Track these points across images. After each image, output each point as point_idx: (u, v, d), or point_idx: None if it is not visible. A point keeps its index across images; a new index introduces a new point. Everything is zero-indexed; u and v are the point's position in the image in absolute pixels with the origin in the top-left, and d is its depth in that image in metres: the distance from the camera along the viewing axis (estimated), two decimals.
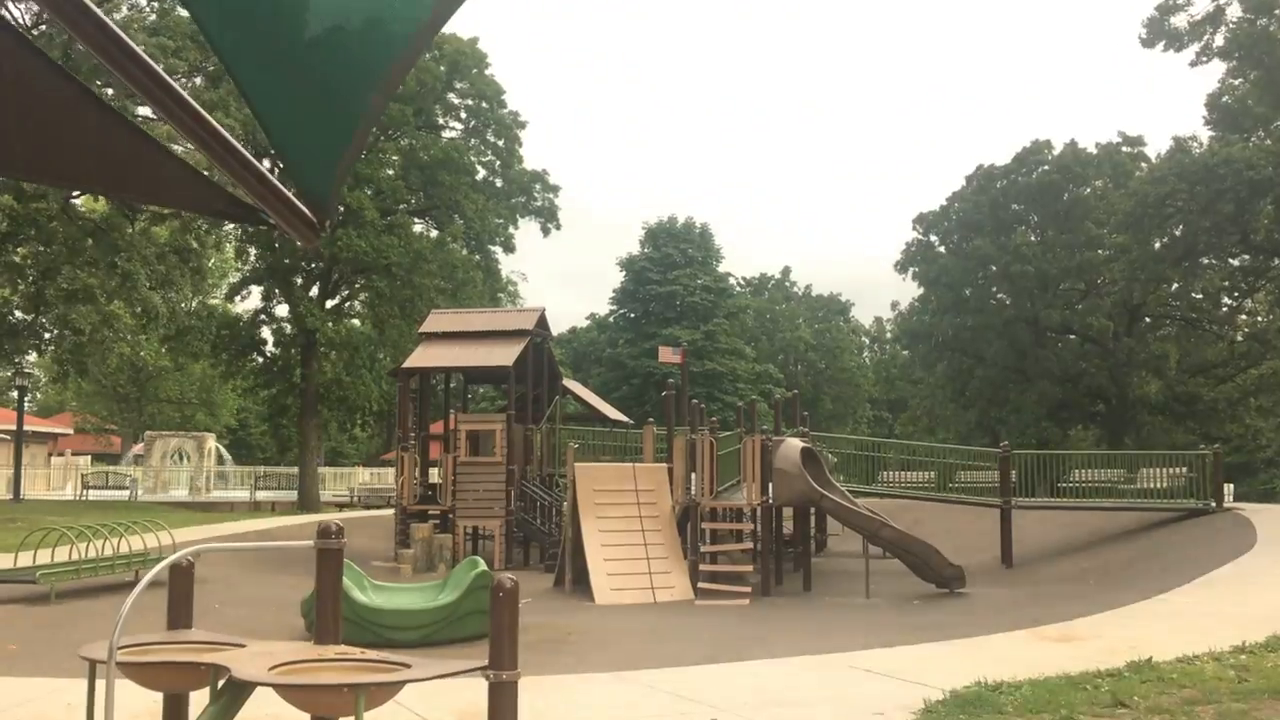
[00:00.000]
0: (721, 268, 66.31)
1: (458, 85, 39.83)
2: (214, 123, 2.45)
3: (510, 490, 22.60)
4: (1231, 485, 29.64)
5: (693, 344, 51.54)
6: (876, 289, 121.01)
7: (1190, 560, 16.28)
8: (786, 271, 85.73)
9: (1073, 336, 47.75)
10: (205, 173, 3.06)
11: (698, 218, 68.57)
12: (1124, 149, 48.09)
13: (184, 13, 28.70)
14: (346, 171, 2.80)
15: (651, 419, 24.79)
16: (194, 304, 37.54)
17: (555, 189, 42.53)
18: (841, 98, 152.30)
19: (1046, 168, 47.93)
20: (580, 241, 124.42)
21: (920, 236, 52.67)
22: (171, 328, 34.67)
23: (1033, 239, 47.99)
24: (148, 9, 31.05)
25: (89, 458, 51.87)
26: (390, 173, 38.42)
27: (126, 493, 38.85)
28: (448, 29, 38.31)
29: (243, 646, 4.92)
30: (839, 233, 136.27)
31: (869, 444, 27.58)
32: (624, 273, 64.50)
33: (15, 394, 36.15)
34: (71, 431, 59.12)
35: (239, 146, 2.57)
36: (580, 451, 21.27)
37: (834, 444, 27.02)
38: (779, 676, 8.78)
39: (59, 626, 12.38)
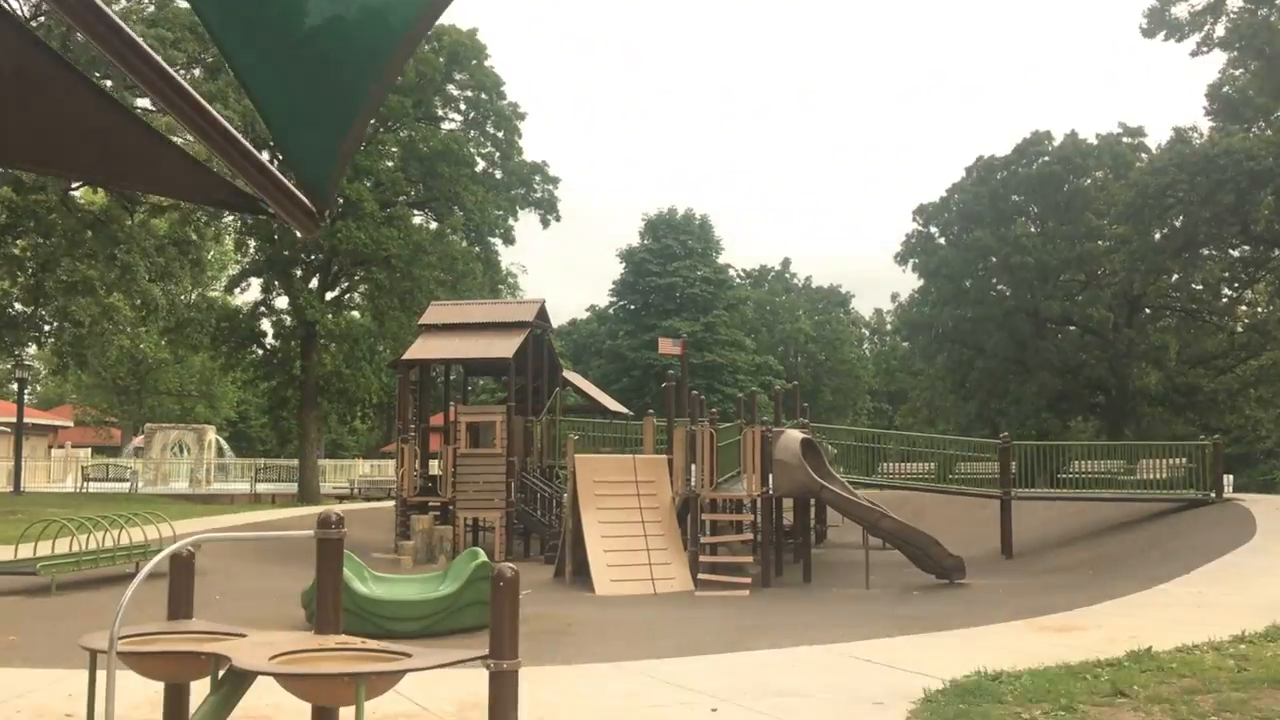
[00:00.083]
0: (721, 259, 66.38)
1: (457, 76, 39.77)
2: (214, 113, 2.45)
3: (510, 482, 22.62)
4: (1231, 476, 29.62)
5: (692, 336, 51.54)
6: (877, 281, 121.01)
7: (1190, 550, 16.30)
8: (786, 263, 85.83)
9: (1073, 328, 47.76)
10: (205, 163, 3.06)
11: (698, 206, 68.76)
12: (1124, 140, 48.06)
13: (183, 4, 28.69)
14: (346, 161, 2.80)
15: (651, 410, 24.81)
16: (194, 296, 37.58)
17: (555, 180, 42.57)
18: (841, 84, 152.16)
19: (1047, 159, 47.90)
20: (580, 233, 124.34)
21: (920, 228, 52.67)
22: (171, 320, 34.66)
23: (1033, 230, 47.98)
24: (146, 0, 30.99)
25: (89, 450, 51.87)
26: (390, 164, 38.38)
27: (127, 485, 38.86)
28: (447, 20, 38.29)
29: (243, 636, 4.93)
30: (839, 222, 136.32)
31: (869, 435, 27.60)
32: (624, 264, 64.53)
33: (15, 386, 36.13)
34: (72, 424, 59.12)
35: (239, 136, 2.57)
36: (580, 443, 21.29)
37: (834, 435, 27.03)
38: (779, 666, 8.80)
39: (59, 618, 12.40)
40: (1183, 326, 46.65)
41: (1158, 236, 40.70)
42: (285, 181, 2.76)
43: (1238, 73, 38.41)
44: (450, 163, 37.92)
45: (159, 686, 5.37)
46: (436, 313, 26.52)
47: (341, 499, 37.95)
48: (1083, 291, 47.06)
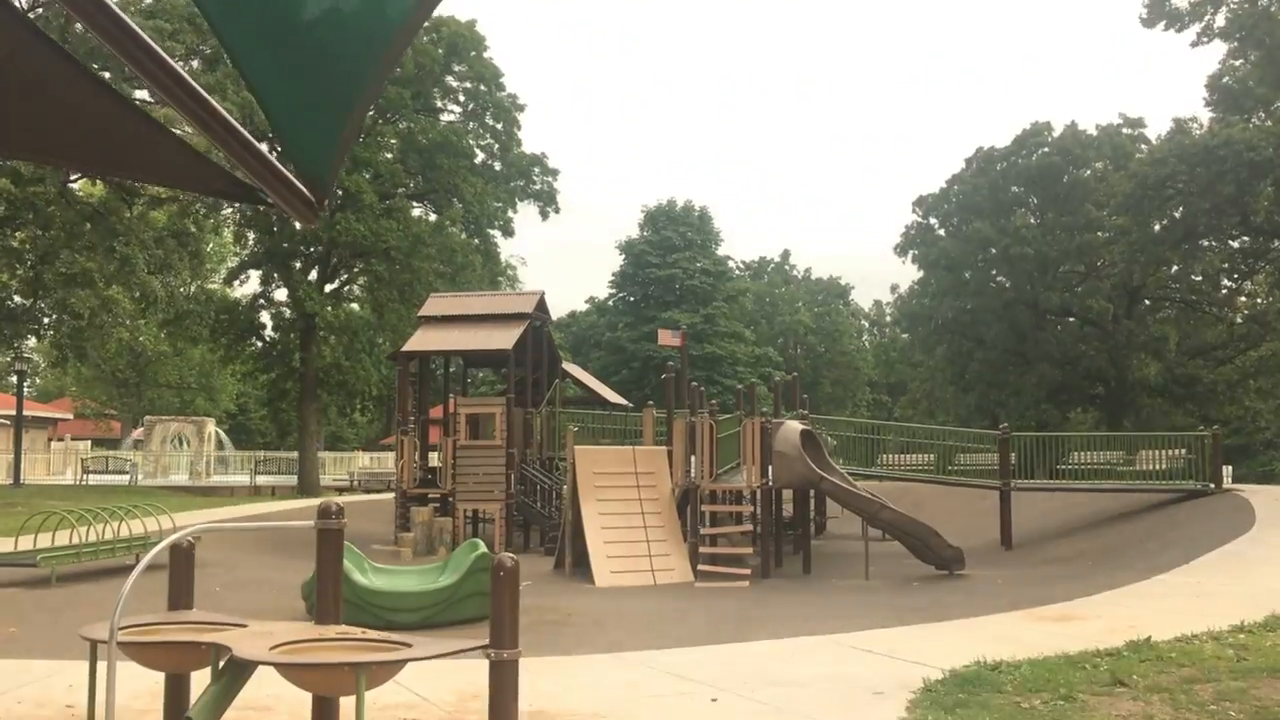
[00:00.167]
0: (721, 251, 66.33)
1: (456, 68, 39.70)
2: (213, 103, 2.45)
3: (510, 473, 22.63)
4: (1230, 467, 29.67)
5: (692, 327, 51.55)
6: (876, 273, 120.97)
7: (1189, 541, 16.32)
8: (786, 255, 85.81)
9: (1072, 319, 47.74)
10: (204, 153, 3.05)
11: (697, 197, 68.87)
12: (1124, 130, 48.00)
13: None
14: (345, 150, 2.80)
15: (651, 402, 24.80)
16: (193, 288, 37.54)
17: (554, 172, 42.50)
18: (840, 74, 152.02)
19: (1046, 150, 47.84)
20: (579, 225, 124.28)
21: (920, 219, 52.63)
22: (170, 312, 34.64)
23: (1032, 221, 47.95)
24: None
25: (89, 443, 51.90)
26: (389, 156, 38.32)
27: (126, 477, 38.90)
28: (445, 11, 38.28)
29: (244, 627, 4.94)
30: (839, 214, 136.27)
31: (868, 427, 27.59)
32: (623, 256, 64.49)
33: (15, 379, 36.12)
34: (71, 416, 59.15)
35: (238, 127, 2.57)
36: (580, 435, 21.28)
37: (833, 427, 27.05)
38: (779, 656, 8.81)
39: (59, 609, 12.41)
40: (1182, 318, 46.63)
41: (1157, 228, 40.68)
42: (284, 171, 2.76)
43: (1238, 63, 38.32)
44: (449, 154, 37.86)
45: (159, 677, 5.38)
46: (436, 304, 26.51)
47: (341, 491, 37.99)
48: (1082, 283, 47.03)
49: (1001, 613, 11.14)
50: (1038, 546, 20.62)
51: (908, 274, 62.12)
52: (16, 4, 2.34)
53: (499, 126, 40.73)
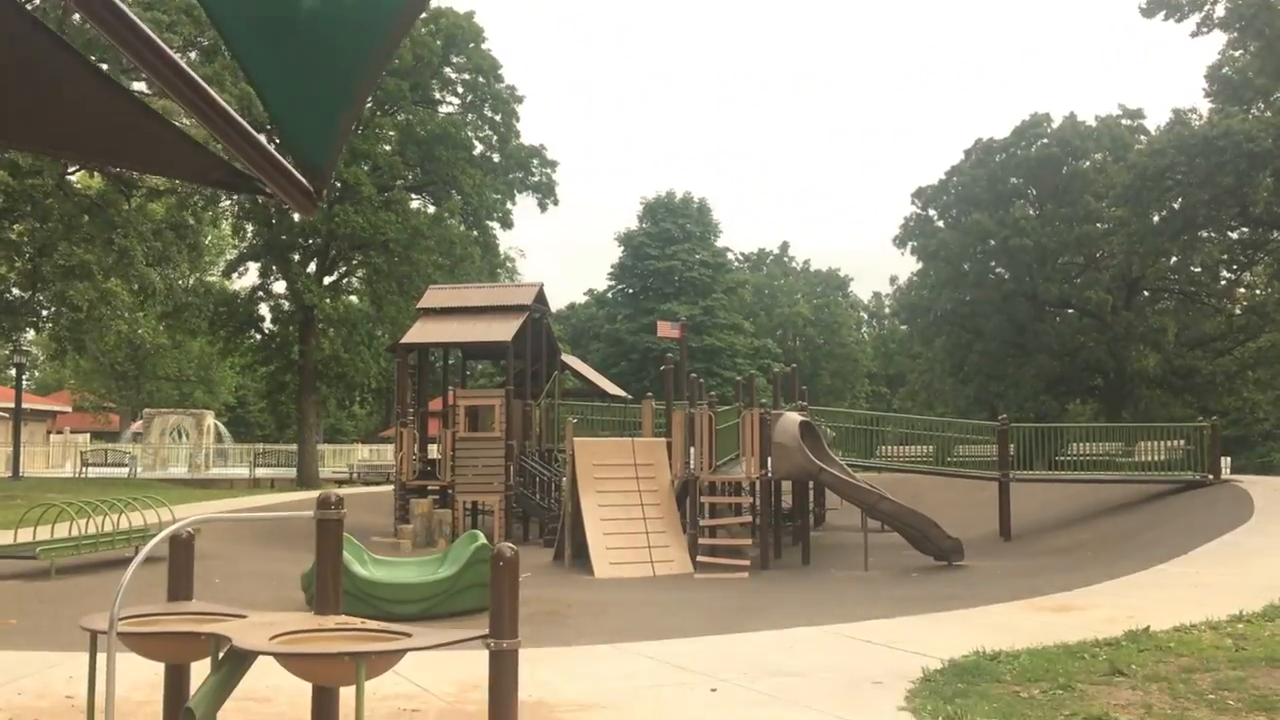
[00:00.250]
0: (719, 242, 66.32)
1: (454, 59, 39.60)
2: (212, 94, 2.45)
3: (509, 465, 22.63)
4: (1229, 458, 29.68)
5: (691, 319, 51.53)
6: (875, 264, 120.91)
7: (1188, 531, 16.34)
8: (785, 247, 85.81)
9: (1071, 310, 47.75)
10: (203, 144, 3.04)
11: (695, 188, 68.85)
12: (1123, 121, 47.98)
13: None
14: (343, 140, 2.80)
15: (650, 393, 24.81)
16: (191, 281, 37.43)
17: (553, 164, 42.44)
18: (838, 66, 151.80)
19: (1045, 141, 47.80)
20: (578, 217, 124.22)
21: (919, 211, 52.60)
22: (169, 304, 34.59)
23: (1031, 213, 47.91)
24: None
25: (88, 435, 51.89)
26: (387, 148, 38.24)
27: (126, 470, 38.89)
28: (443, 2, 38.23)
29: (243, 618, 4.94)
30: (838, 205, 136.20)
31: (867, 418, 27.61)
32: (622, 248, 64.47)
33: (13, 371, 36.09)
34: (70, 409, 59.09)
35: (237, 117, 2.57)
36: (579, 426, 21.29)
37: (832, 418, 27.04)
38: (778, 647, 8.82)
39: (59, 602, 12.42)
40: (1181, 309, 46.65)
41: (1156, 219, 40.64)
42: (283, 162, 2.75)
43: (1237, 54, 38.28)
44: (448, 146, 37.80)
45: (159, 669, 5.38)
46: (435, 296, 26.49)
47: (340, 483, 37.97)
48: (1081, 274, 47.02)
49: (1000, 603, 11.15)
50: (1036, 537, 20.65)
51: (907, 266, 62.06)
52: None
53: (497, 118, 40.65)
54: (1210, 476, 21.06)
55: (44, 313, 32.86)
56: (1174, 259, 44.41)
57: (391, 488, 25.57)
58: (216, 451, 44.37)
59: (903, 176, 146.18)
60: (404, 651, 4.34)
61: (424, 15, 37.12)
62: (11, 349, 35.03)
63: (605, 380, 33.90)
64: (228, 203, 36.32)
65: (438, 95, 40.40)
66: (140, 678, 6.69)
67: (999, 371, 47.33)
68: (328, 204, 34.68)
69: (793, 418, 19.20)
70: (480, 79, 39.95)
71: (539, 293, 25.90)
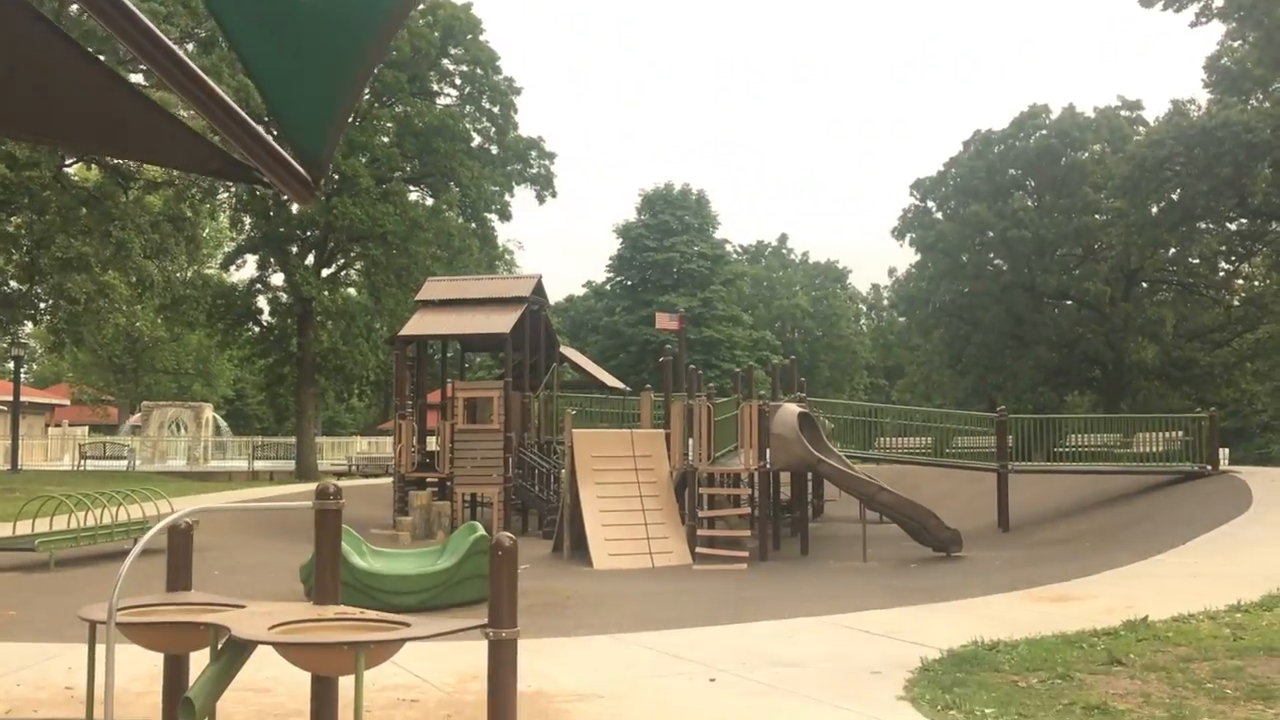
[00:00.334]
0: (718, 234, 66.24)
1: (452, 51, 39.52)
2: (210, 83, 2.44)
3: (508, 457, 22.64)
4: (1227, 450, 29.70)
5: (690, 311, 51.52)
6: (874, 256, 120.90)
7: (1186, 522, 16.36)
8: (784, 238, 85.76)
9: (1069, 302, 47.77)
10: (200, 134, 3.03)
11: (694, 181, 68.64)
12: (1122, 113, 47.95)
13: None
14: (341, 128, 2.79)
15: (649, 385, 24.80)
16: (189, 273, 37.44)
17: (551, 156, 42.37)
18: (836, 58, 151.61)
19: (1044, 132, 47.79)
20: (576, 209, 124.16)
21: (918, 202, 52.59)
22: (167, 297, 34.57)
23: (1030, 204, 47.90)
24: None
25: (86, 428, 51.88)
26: (385, 140, 38.18)
27: (124, 463, 38.89)
28: None
29: (242, 608, 4.94)
30: (836, 197, 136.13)
31: (866, 410, 27.61)
32: (620, 240, 64.40)
33: (11, 365, 36.07)
34: (68, 402, 59.10)
35: (235, 107, 2.56)
36: (578, 418, 21.28)
37: (831, 410, 27.06)
38: (777, 637, 8.83)
39: (58, 593, 12.42)
40: (1179, 300, 46.66)
41: (1155, 210, 40.62)
42: (281, 151, 2.74)
43: (1236, 44, 38.23)
44: (446, 138, 37.74)
45: (158, 661, 5.38)
46: (433, 288, 26.46)
47: (339, 476, 37.97)
48: (1080, 265, 47.03)
49: (999, 593, 11.16)
50: (1035, 528, 20.66)
51: (905, 257, 62.01)
52: None
53: (495, 110, 40.58)
54: (1208, 467, 21.08)
55: (42, 305, 32.83)
56: (1172, 250, 44.41)
57: (390, 480, 25.58)
58: (215, 444, 44.37)
59: (901, 168, 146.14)
60: (403, 641, 4.34)
61: (421, 6, 37.07)
62: (9, 342, 34.98)
63: (604, 372, 33.88)
64: (225, 195, 36.26)
65: (436, 87, 40.32)
66: (140, 669, 6.70)
67: (997, 363, 47.35)
68: (326, 196, 34.62)
69: (791, 409, 19.19)
70: (478, 71, 39.87)
71: (537, 284, 25.87)
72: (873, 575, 15.12)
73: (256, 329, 40.04)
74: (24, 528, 15.72)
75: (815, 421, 19.91)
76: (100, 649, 4.60)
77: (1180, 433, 22.49)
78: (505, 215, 41.88)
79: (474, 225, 40.65)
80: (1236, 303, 46.87)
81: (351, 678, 4.09)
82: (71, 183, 30.34)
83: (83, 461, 38.97)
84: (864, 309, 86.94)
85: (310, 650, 4.30)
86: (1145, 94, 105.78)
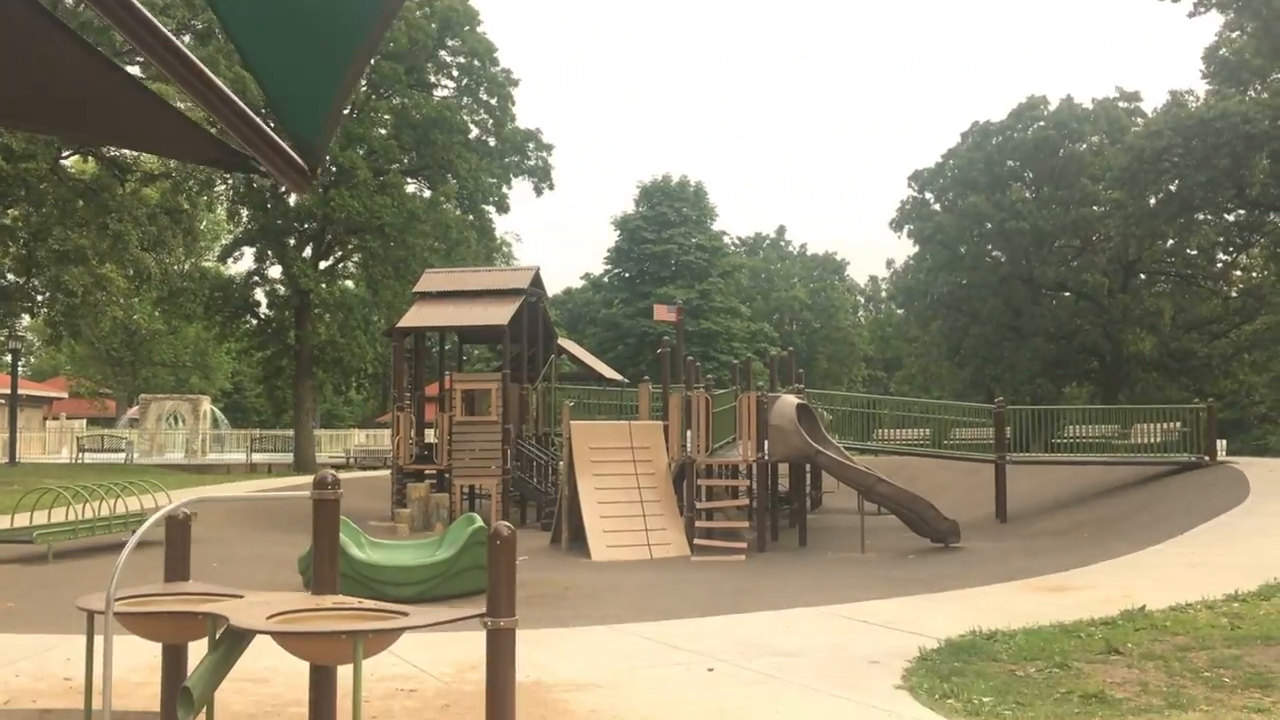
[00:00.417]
0: (716, 226, 66.21)
1: (449, 43, 39.45)
2: (207, 72, 2.44)
3: (506, 449, 22.63)
4: (1224, 441, 29.72)
5: (688, 303, 51.49)
6: (872, 248, 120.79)
7: (1183, 512, 16.38)
8: (781, 230, 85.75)
9: (1067, 293, 47.77)
10: (198, 124, 3.02)
11: (691, 173, 68.53)
12: (1120, 104, 47.93)
13: None
14: (338, 115, 2.79)
15: (647, 377, 24.79)
16: (186, 265, 37.35)
17: (549, 148, 42.31)
18: (833, 50, 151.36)
19: (1042, 124, 47.75)
20: (574, 201, 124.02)
21: (916, 194, 52.55)
22: (164, 289, 34.53)
23: (1028, 195, 47.87)
24: None
25: (84, 421, 51.85)
26: (382, 132, 38.13)
27: (122, 455, 38.87)
28: None
29: (240, 597, 4.93)
30: (834, 189, 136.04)
31: (864, 401, 27.62)
32: (618, 232, 64.36)
33: (9, 358, 36.00)
34: (66, 395, 59.04)
35: (233, 97, 2.56)
36: (576, 410, 21.26)
37: (829, 402, 27.06)
38: (775, 627, 8.84)
39: (56, 585, 12.42)
40: (1177, 291, 46.66)
41: (1153, 201, 40.62)
42: (278, 140, 2.74)
43: (1234, 35, 38.19)
44: (443, 130, 37.69)
45: (157, 651, 5.38)
46: (431, 280, 26.43)
47: (337, 468, 37.97)
48: (1078, 257, 47.02)
49: (996, 584, 11.18)
50: (1033, 519, 20.68)
51: (903, 249, 62.13)
52: None
53: (493, 102, 40.52)
54: (1206, 458, 21.10)
55: (39, 298, 32.78)
56: (1170, 241, 44.41)
57: (388, 472, 25.58)
58: (213, 437, 44.36)
59: (899, 160, 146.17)
60: (401, 630, 4.33)
61: None
62: (7, 335, 34.91)
63: (602, 364, 33.89)
64: (223, 187, 36.20)
65: (433, 79, 40.25)
66: (138, 660, 6.70)
67: (995, 354, 47.36)
68: (323, 188, 34.57)
69: (789, 400, 19.19)
70: (476, 62, 39.80)
71: (535, 276, 25.85)
72: (871, 566, 15.13)
73: (254, 322, 40.00)
74: (22, 520, 15.72)
75: (813, 413, 19.90)
76: (99, 639, 4.60)
77: (1178, 424, 22.50)
78: (503, 207, 41.84)
79: (471, 217, 40.60)
80: (1234, 294, 46.88)
81: (350, 668, 4.08)
82: (68, 175, 30.28)
83: (81, 454, 38.96)
84: (862, 301, 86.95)
85: (308, 639, 4.30)
86: (1143, 85, 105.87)
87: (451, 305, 24.95)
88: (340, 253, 40.85)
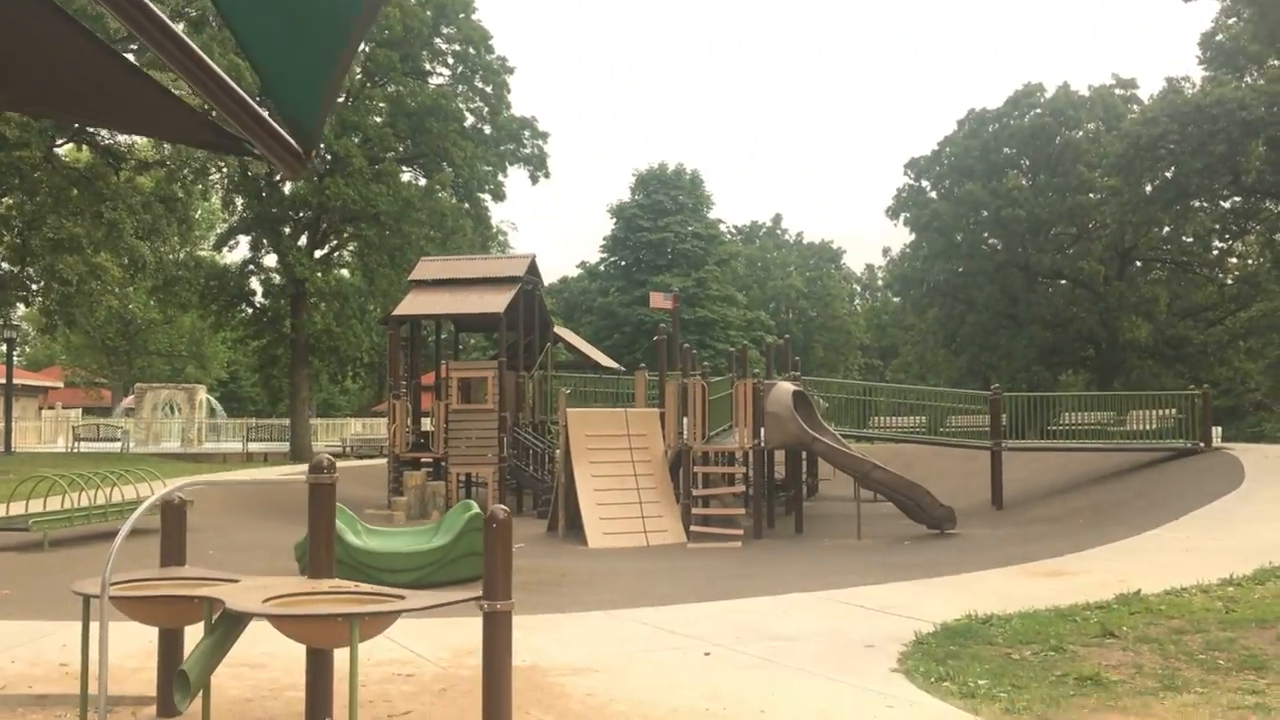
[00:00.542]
0: (712, 214, 66.17)
1: (444, 30, 39.30)
2: (202, 55, 2.42)
3: (502, 437, 22.64)
4: (1220, 428, 29.75)
5: (684, 291, 51.50)
6: (868, 236, 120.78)
7: (1179, 498, 16.41)
8: (778, 219, 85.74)
9: (1063, 281, 47.81)
10: (194, 108, 3.01)
11: (687, 161, 68.48)
12: (1117, 91, 47.90)
13: None
14: (332, 99, 2.78)
15: (643, 365, 24.78)
16: (181, 254, 37.26)
17: (544, 135, 42.16)
18: (829, 38, 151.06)
19: (1038, 111, 47.72)
20: (570, 189, 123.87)
21: (912, 181, 52.54)
22: (159, 278, 34.46)
23: (1024, 183, 47.88)
24: None
25: (79, 411, 51.82)
26: (378, 120, 38.01)
27: (118, 445, 38.86)
28: None
29: (236, 582, 4.93)
30: (830, 177, 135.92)
31: (860, 389, 27.62)
32: (614, 220, 64.29)
33: (3, 347, 35.95)
34: (62, 385, 59.03)
35: (227, 79, 2.55)
36: (572, 398, 21.25)
37: (826, 389, 27.06)
38: (772, 612, 8.85)
39: (52, 573, 12.42)
40: (1173, 279, 46.72)
41: (1149, 188, 40.64)
42: (272, 124, 2.73)
43: (1231, 20, 38.17)
44: (439, 118, 37.57)
45: (153, 637, 5.38)
46: (427, 268, 26.38)
47: (334, 457, 37.93)
48: (1074, 244, 47.05)
49: (992, 569, 11.19)
50: (1029, 506, 20.72)
51: (899, 237, 62.21)
52: None
53: (488, 90, 40.39)
54: (1201, 445, 21.14)
55: (34, 287, 32.72)
56: (1166, 229, 44.44)
57: (385, 461, 25.57)
58: (209, 426, 44.36)
59: (895, 148, 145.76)
60: (397, 613, 4.34)
61: None
62: (1, 324, 34.84)
63: (598, 352, 33.87)
64: (217, 175, 36.11)
65: (428, 66, 40.09)
66: (135, 645, 6.70)
67: (991, 342, 47.40)
68: (318, 176, 34.48)
69: (785, 387, 19.20)
70: (471, 50, 39.65)
71: (531, 264, 25.80)
72: (867, 552, 15.16)
73: (249, 310, 39.90)
74: (18, 508, 15.71)
75: (809, 400, 19.92)
76: (94, 624, 4.60)
77: (1173, 410, 22.52)
78: (499, 195, 41.75)
79: (467, 206, 40.49)
80: (1230, 281, 46.93)
81: (347, 652, 4.09)
82: (62, 163, 30.19)
83: (77, 444, 38.94)
84: (858, 289, 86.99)
85: (305, 622, 4.30)
86: (1140, 72, 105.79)
87: (447, 293, 24.91)
88: (335, 241, 40.77)
